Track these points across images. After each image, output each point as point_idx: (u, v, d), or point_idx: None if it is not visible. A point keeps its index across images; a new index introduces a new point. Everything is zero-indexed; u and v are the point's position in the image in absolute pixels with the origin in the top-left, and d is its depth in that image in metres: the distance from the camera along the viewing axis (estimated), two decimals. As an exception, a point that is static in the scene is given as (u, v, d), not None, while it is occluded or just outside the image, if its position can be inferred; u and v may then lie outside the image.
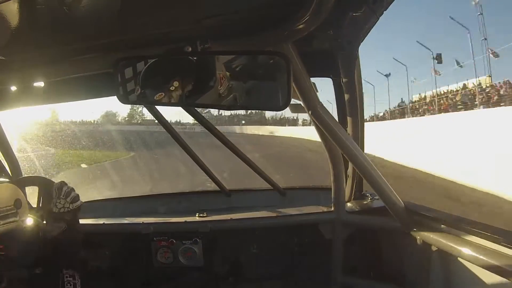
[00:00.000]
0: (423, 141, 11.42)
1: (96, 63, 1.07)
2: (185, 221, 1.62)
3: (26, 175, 1.64)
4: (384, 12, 0.96)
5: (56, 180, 1.30)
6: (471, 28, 18.42)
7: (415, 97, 24.52)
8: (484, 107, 13.98)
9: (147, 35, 0.96)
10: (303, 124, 31.83)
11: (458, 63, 20.53)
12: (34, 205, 1.37)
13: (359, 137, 1.35)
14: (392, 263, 1.53)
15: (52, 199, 1.17)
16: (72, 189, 1.19)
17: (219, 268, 1.65)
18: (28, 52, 1.00)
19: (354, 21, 1.00)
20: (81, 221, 1.28)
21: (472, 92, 17.50)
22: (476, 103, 15.60)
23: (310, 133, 16.28)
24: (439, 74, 21.20)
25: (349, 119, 1.35)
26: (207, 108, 1.23)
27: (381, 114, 25.91)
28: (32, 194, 1.39)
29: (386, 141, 12.63)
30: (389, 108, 25.59)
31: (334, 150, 1.45)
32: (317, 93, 1.16)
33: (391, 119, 22.08)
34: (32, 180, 1.44)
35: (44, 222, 1.19)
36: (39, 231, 1.13)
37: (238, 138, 18.18)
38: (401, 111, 23.88)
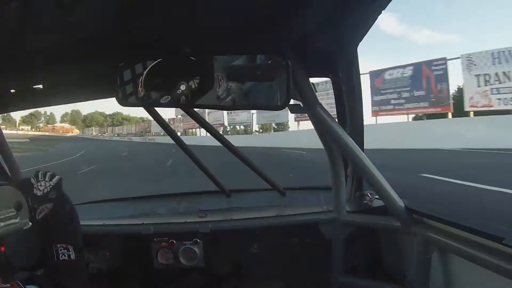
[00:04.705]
0: None
1: (95, 65, 1.07)
2: (185, 222, 1.62)
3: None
4: (383, 11, 0.96)
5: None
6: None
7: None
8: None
9: (146, 37, 0.96)
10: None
11: None
12: None
13: (359, 137, 1.35)
14: (392, 262, 1.53)
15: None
16: (47, 171, 1.19)
17: (220, 269, 1.65)
18: (26, 54, 0.99)
19: (353, 20, 1.00)
20: (81, 222, 1.28)
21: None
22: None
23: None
24: None
25: (348, 119, 1.35)
26: (207, 109, 1.23)
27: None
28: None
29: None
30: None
31: (334, 150, 1.45)
32: (316, 93, 1.16)
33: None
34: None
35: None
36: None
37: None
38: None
